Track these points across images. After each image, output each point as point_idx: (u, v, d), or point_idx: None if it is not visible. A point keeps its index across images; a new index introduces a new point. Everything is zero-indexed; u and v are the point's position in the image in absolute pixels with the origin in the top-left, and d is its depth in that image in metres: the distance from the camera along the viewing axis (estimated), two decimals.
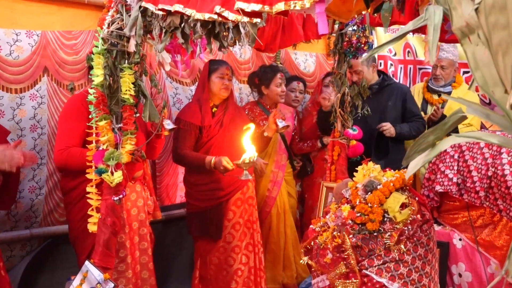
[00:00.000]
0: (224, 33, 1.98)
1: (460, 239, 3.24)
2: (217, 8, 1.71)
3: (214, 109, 3.44)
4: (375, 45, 5.03)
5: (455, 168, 3.21)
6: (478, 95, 4.34)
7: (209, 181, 3.34)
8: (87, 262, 2.41)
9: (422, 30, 2.99)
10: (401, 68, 5.04)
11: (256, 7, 1.55)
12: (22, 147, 3.03)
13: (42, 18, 3.21)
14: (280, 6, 1.50)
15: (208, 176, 3.33)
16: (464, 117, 0.87)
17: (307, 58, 4.90)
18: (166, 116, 2.98)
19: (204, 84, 3.40)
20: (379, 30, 4.78)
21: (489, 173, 3.06)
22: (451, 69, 4.09)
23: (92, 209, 2.47)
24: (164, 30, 2.20)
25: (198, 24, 1.95)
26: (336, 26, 3.36)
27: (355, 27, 3.34)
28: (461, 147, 3.22)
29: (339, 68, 3.45)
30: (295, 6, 1.47)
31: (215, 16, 1.78)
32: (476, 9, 0.74)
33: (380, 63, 5.17)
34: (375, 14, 2.09)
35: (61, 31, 3.30)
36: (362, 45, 3.35)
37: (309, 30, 3.21)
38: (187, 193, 3.51)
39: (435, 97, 4.10)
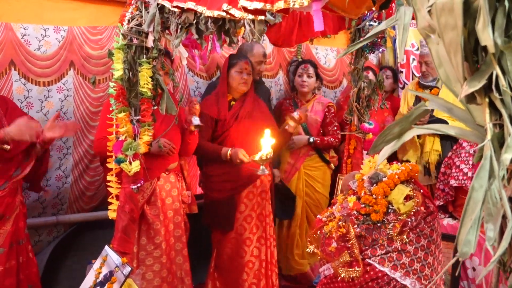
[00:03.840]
0: (233, 29, 2.06)
1: None
2: (224, 6, 1.80)
3: (233, 102, 3.51)
4: (397, 40, 5.04)
5: (470, 162, 3.23)
6: None
7: (222, 172, 3.43)
8: (106, 247, 2.54)
9: None
10: None
11: (258, 5, 1.62)
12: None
13: (68, 14, 3.36)
14: (280, 5, 1.57)
15: (221, 168, 3.42)
16: (427, 111, 0.94)
17: (328, 53, 4.94)
18: (198, 112, 3.10)
19: (224, 78, 3.50)
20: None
21: None
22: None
23: (112, 197, 2.60)
24: (179, 26, 2.31)
25: (210, 21, 2.05)
26: (353, 22, 3.40)
27: (372, 22, 3.37)
28: None
29: (356, 63, 3.49)
30: (294, 4, 1.54)
31: (223, 13, 1.86)
32: (429, 11, 0.80)
33: (403, 58, 5.17)
34: (383, 11, 2.14)
35: (86, 27, 3.43)
36: (379, 40, 3.39)
37: (326, 25, 3.23)
38: (204, 184, 3.62)
39: (426, 92, 4.02)
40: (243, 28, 2.26)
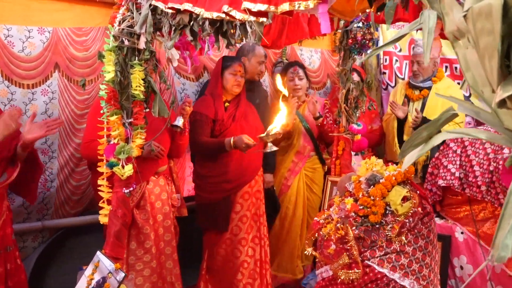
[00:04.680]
0: (232, 31, 2.05)
1: (462, 233, 3.30)
2: (225, 8, 1.78)
3: (227, 104, 3.52)
4: (380, 42, 5.09)
5: (458, 162, 3.27)
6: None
7: (218, 173, 3.43)
8: (98, 253, 2.49)
9: None
10: (406, 64, 5.08)
11: (262, 7, 1.61)
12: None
13: (53, 15, 3.29)
14: (285, 7, 1.56)
15: (218, 169, 3.42)
16: (456, 115, 0.94)
17: (312, 54, 4.95)
18: (187, 114, 3.07)
19: (217, 80, 3.49)
20: (384, 26, 4.83)
21: (491, 168, 3.11)
22: (429, 63, 4.02)
23: (103, 201, 2.55)
24: (173, 28, 2.27)
25: (207, 22, 2.02)
26: (341, 23, 3.41)
27: (360, 24, 3.39)
28: (463, 142, 3.27)
29: (344, 64, 3.51)
30: (299, 7, 1.53)
31: (223, 15, 1.84)
32: (465, 16, 0.80)
33: (386, 59, 5.22)
34: (378, 13, 2.15)
35: (71, 28, 3.37)
36: (367, 42, 3.41)
37: (314, 27, 3.27)
38: (197, 185, 3.59)
39: (416, 92, 4.06)
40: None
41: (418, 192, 2.22)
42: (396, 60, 5.17)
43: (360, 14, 2.40)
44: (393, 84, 5.16)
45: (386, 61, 5.21)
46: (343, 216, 2.17)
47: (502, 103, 0.83)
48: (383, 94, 5.24)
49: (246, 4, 1.64)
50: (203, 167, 3.53)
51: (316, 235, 2.24)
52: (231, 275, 3.47)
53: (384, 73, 5.25)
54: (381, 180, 2.20)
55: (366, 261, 2.07)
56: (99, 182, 2.56)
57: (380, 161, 2.33)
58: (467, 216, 3.29)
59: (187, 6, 2.00)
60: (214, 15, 1.87)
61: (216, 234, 3.49)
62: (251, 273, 3.52)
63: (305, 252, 2.28)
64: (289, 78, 4.08)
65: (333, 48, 5.07)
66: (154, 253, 3.08)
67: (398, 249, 2.06)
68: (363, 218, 2.13)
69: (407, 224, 2.08)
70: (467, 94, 4.62)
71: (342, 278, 2.06)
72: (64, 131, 3.39)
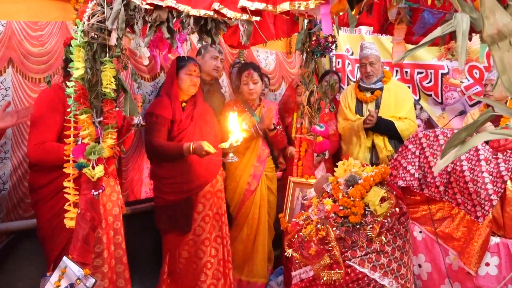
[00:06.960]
0: (216, 30, 2.01)
1: (420, 232, 3.41)
2: (216, 5, 1.74)
3: (184, 104, 3.46)
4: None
5: (417, 164, 3.38)
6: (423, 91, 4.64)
7: (178, 174, 3.36)
8: (65, 258, 2.37)
9: (389, 31, 3.13)
10: (357, 67, 5.20)
11: (260, 6, 1.59)
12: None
13: (7, 7, 3.11)
14: (285, 6, 1.55)
15: (178, 169, 3.35)
16: (493, 116, 0.96)
17: (268, 56, 4.97)
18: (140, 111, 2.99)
19: (173, 80, 3.41)
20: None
21: (449, 169, 3.24)
22: (379, 64, 4.13)
23: (69, 204, 2.43)
24: (149, 25, 2.21)
25: (191, 20, 1.97)
26: (304, 25, 3.44)
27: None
28: (421, 144, 3.39)
29: (307, 66, 3.54)
30: (299, 6, 1.52)
31: (211, 13, 1.80)
32: None
33: (338, 62, 5.31)
34: (357, 16, 2.18)
35: (27, 22, 3.20)
36: (330, 44, 3.46)
37: (280, 28, 3.27)
38: (156, 187, 3.50)
39: (368, 94, 4.11)
40: None
41: (394, 192, 2.27)
42: (349, 63, 5.28)
43: (334, 16, 2.41)
44: (345, 87, 5.27)
45: (338, 64, 5.31)
46: (323, 217, 2.18)
47: None
48: (336, 96, 5.33)
49: (243, 2, 1.61)
50: (162, 168, 3.44)
51: (296, 236, 2.24)
52: (195, 277, 3.42)
53: None
54: (359, 181, 2.23)
55: (347, 261, 2.09)
56: (65, 184, 2.44)
57: (358, 162, 2.37)
58: (424, 215, 3.41)
59: (171, 2, 1.94)
60: (202, 12, 1.83)
61: (178, 236, 3.41)
62: (215, 273, 3.48)
63: (285, 254, 2.28)
64: (243, 82, 3.96)
65: (287, 50, 5.11)
66: (106, 257, 2.96)
67: (378, 249, 2.10)
68: (343, 218, 2.15)
69: (386, 224, 2.13)
70: (417, 98, 4.80)
71: (324, 278, 2.07)
72: (18, 131, 3.20)
